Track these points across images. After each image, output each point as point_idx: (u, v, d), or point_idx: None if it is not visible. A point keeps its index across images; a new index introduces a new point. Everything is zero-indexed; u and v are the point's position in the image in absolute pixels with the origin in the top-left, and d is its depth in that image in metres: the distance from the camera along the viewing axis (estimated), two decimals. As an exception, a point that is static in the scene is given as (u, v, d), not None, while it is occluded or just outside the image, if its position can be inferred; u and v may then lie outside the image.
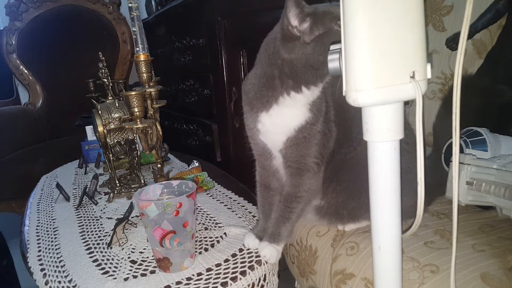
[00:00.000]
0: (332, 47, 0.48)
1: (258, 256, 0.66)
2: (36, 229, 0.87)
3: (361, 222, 0.68)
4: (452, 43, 0.84)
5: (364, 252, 0.61)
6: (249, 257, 0.66)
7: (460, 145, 0.73)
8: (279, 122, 0.62)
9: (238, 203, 0.90)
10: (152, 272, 0.64)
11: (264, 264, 0.65)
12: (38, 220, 0.92)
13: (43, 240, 0.81)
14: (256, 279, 0.63)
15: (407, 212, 0.52)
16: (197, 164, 1.13)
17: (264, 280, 0.65)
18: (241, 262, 0.65)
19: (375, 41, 0.42)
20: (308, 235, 0.73)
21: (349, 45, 0.43)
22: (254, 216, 0.82)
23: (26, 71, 2.08)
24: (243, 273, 0.62)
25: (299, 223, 0.76)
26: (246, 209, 0.86)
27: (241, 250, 0.69)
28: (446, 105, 0.83)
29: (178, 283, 0.61)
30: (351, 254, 0.63)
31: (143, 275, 0.64)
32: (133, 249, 0.73)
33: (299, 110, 0.61)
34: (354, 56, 0.43)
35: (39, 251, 0.76)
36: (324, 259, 0.67)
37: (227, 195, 0.95)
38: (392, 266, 0.49)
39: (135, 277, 0.63)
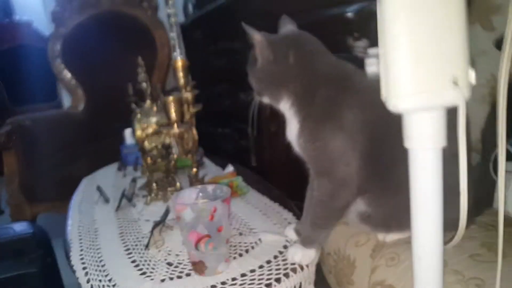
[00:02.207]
0: (371, 51, 0.47)
1: (294, 263, 0.66)
2: (78, 229, 0.91)
3: (405, 232, 0.65)
4: (502, 43, 0.79)
5: (405, 264, 0.59)
6: (284, 265, 0.66)
7: (508, 152, 0.69)
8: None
9: (273, 209, 0.89)
10: (188, 274, 0.66)
11: (299, 272, 0.64)
12: (80, 220, 0.96)
13: (84, 240, 0.84)
14: (291, 287, 0.63)
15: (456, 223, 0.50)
16: (232, 169, 1.14)
17: (300, 288, 0.65)
18: (276, 269, 0.65)
19: (415, 45, 0.40)
20: (347, 245, 0.72)
21: (388, 49, 0.42)
22: (289, 223, 0.81)
23: (69, 75, 2.16)
24: (277, 280, 0.62)
25: (336, 233, 0.75)
26: (281, 215, 0.86)
27: (276, 257, 0.68)
28: (495, 109, 0.79)
29: (213, 286, 0.61)
30: (391, 265, 0.61)
31: (179, 277, 0.65)
32: (170, 251, 0.74)
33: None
34: (394, 61, 0.42)
35: (81, 250, 0.80)
36: (363, 269, 0.65)
37: (261, 201, 0.95)
38: (433, 278, 0.47)
39: (171, 279, 0.65)
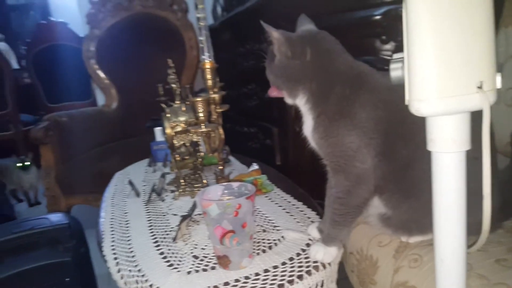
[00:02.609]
0: (395, 55, 0.47)
1: (316, 261, 0.67)
2: (111, 221, 0.94)
3: (428, 235, 0.65)
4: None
5: (428, 265, 0.59)
6: (306, 262, 0.67)
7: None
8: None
9: (297, 208, 0.90)
10: (213, 268, 0.68)
11: (321, 270, 0.65)
12: (112, 213, 1.00)
13: (116, 231, 0.88)
14: (313, 284, 0.64)
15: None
16: (256, 167, 1.16)
17: (322, 286, 0.65)
18: (299, 266, 0.66)
19: (440, 50, 0.41)
20: (369, 245, 0.72)
21: (413, 53, 0.42)
22: (312, 222, 0.82)
23: (102, 75, 2.24)
24: (300, 277, 0.63)
25: (359, 232, 0.75)
26: (304, 214, 0.87)
27: (298, 254, 0.69)
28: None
29: (237, 280, 0.63)
30: (414, 267, 0.61)
31: (204, 270, 0.67)
32: (196, 245, 0.77)
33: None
34: (418, 65, 0.42)
35: (113, 241, 0.83)
36: (386, 270, 0.66)
37: (285, 199, 0.96)
38: (455, 281, 0.47)
39: (197, 271, 0.67)
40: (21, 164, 2.37)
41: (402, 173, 0.63)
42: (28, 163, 2.39)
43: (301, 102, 0.68)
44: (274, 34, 0.65)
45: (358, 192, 0.64)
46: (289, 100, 0.71)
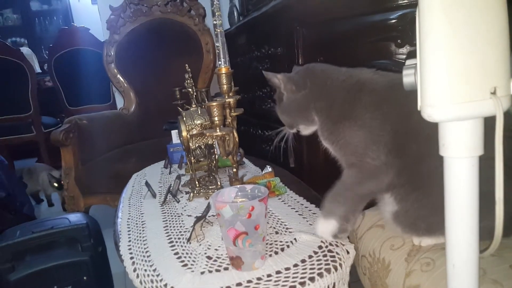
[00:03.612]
0: (408, 61, 0.48)
1: (328, 264, 0.67)
2: (127, 221, 0.96)
3: (438, 237, 0.65)
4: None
5: (440, 269, 0.59)
6: (318, 264, 0.67)
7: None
8: None
9: (310, 210, 0.91)
10: (226, 268, 0.69)
11: (333, 272, 0.66)
12: (129, 213, 1.02)
13: (132, 231, 0.89)
14: (325, 286, 0.64)
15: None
16: (270, 170, 1.17)
17: (334, 288, 0.66)
18: (311, 268, 0.66)
19: (453, 55, 0.41)
20: (382, 248, 0.72)
21: (425, 59, 0.43)
22: (324, 224, 0.82)
23: (122, 79, 2.28)
24: (311, 279, 0.63)
25: (372, 235, 0.75)
26: (317, 216, 0.87)
27: (310, 256, 0.70)
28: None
29: (249, 281, 0.64)
30: (426, 271, 0.61)
31: (217, 270, 0.68)
32: (209, 245, 0.78)
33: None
34: (431, 71, 0.42)
35: (129, 241, 0.85)
36: (397, 273, 0.65)
37: (298, 202, 0.97)
38: (467, 287, 0.47)
39: (210, 272, 0.68)
40: (57, 185, 2.44)
41: (413, 168, 0.64)
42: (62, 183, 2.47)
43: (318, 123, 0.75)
44: (278, 76, 0.75)
45: (367, 184, 0.68)
46: (309, 130, 0.78)
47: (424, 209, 0.64)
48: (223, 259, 0.72)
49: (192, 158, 1.11)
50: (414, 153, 0.63)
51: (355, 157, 0.68)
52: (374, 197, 0.72)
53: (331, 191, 0.72)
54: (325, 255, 0.70)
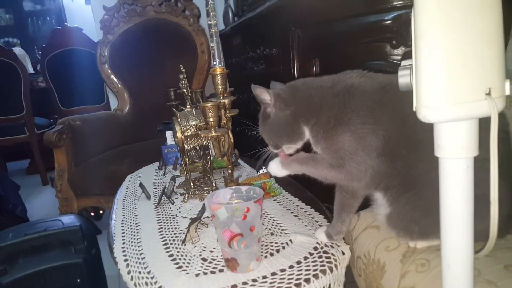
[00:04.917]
0: (403, 62, 0.48)
1: (323, 265, 0.67)
2: (121, 223, 0.96)
3: (432, 240, 0.65)
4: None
5: (435, 270, 0.59)
6: (313, 266, 0.67)
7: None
8: None
9: (305, 211, 0.91)
10: (221, 270, 0.68)
11: (329, 273, 0.66)
12: (123, 215, 1.01)
13: (127, 233, 0.89)
14: (320, 288, 0.64)
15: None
16: (265, 171, 1.17)
17: (329, 289, 0.66)
18: (306, 270, 0.66)
19: (448, 56, 0.41)
20: (377, 249, 0.72)
21: (421, 61, 0.43)
22: (320, 225, 0.82)
23: (115, 79, 2.27)
24: (307, 281, 0.63)
25: (367, 236, 0.75)
26: (312, 217, 0.87)
27: (306, 258, 0.70)
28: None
29: (244, 283, 0.64)
30: (421, 271, 0.61)
31: (212, 272, 0.68)
32: (204, 247, 0.77)
33: None
34: (426, 72, 0.42)
35: (123, 243, 0.84)
36: (393, 274, 0.66)
37: (294, 203, 0.97)
38: (462, 287, 0.47)
39: (205, 273, 0.68)
40: None
41: (404, 171, 0.64)
42: None
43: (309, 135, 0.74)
44: (270, 92, 0.73)
45: (350, 185, 0.71)
46: (292, 149, 0.77)
47: (416, 212, 0.64)
48: (218, 261, 0.72)
49: (187, 159, 1.10)
50: (406, 157, 0.63)
51: (338, 161, 0.68)
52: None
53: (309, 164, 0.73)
54: (320, 257, 0.70)
